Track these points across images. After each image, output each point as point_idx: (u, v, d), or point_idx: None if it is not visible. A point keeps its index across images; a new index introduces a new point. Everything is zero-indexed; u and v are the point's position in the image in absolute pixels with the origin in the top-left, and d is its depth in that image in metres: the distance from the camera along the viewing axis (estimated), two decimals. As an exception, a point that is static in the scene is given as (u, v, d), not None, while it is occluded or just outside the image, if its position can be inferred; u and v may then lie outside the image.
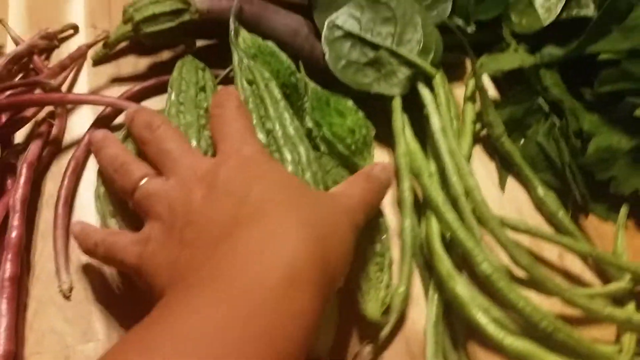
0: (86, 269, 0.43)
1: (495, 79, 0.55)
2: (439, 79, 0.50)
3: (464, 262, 0.44)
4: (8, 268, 0.39)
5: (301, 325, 0.28)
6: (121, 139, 0.43)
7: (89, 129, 0.50)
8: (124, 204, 0.39)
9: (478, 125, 0.51)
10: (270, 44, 0.50)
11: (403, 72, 0.49)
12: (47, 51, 0.56)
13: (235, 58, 0.46)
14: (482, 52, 0.55)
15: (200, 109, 0.44)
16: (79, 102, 0.50)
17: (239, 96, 0.42)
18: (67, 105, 0.51)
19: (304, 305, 0.29)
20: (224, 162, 0.36)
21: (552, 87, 0.51)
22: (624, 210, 0.47)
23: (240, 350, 0.26)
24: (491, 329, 0.39)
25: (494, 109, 0.50)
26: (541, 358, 0.38)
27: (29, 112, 0.48)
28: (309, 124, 0.48)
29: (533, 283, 0.42)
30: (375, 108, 0.49)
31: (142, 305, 0.31)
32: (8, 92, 0.47)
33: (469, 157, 0.49)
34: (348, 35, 0.50)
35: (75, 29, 0.57)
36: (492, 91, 0.54)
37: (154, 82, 0.53)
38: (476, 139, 0.52)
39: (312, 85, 0.50)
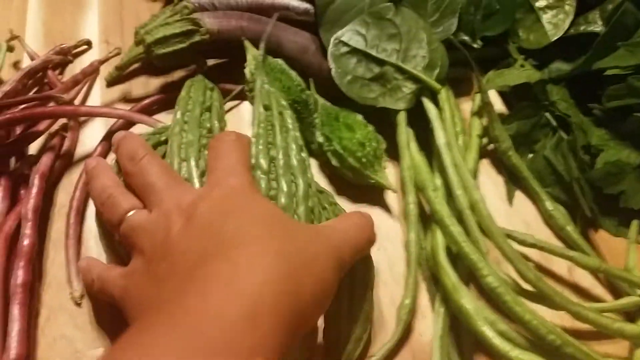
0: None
1: (502, 94, 0.56)
2: (444, 94, 0.50)
3: (470, 275, 0.44)
4: (20, 275, 0.40)
5: None
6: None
7: (100, 142, 0.50)
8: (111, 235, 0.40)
9: (485, 140, 0.52)
10: (280, 61, 0.51)
11: (408, 87, 0.49)
12: (61, 66, 0.57)
13: (258, 83, 0.47)
14: (489, 67, 0.56)
15: (204, 128, 0.44)
16: (91, 114, 0.51)
17: (238, 133, 0.42)
18: (79, 119, 0.52)
19: (265, 341, 0.28)
20: (206, 195, 0.36)
21: (559, 102, 0.51)
22: (635, 225, 0.47)
23: None
24: (497, 342, 0.39)
25: (500, 123, 0.50)
26: (547, 372, 0.38)
27: (42, 125, 0.49)
28: (320, 138, 0.48)
29: (540, 297, 0.41)
30: (383, 122, 0.50)
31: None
32: (22, 106, 0.48)
33: (475, 171, 0.49)
34: (354, 51, 0.51)
35: (89, 44, 0.59)
36: (499, 106, 0.55)
37: (165, 96, 0.54)
38: (484, 154, 0.52)
39: (321, 101, 0.51)
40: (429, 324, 0.43)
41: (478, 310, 0.40)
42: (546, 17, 0.55)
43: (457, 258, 0.44)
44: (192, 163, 0.41)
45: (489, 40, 0.56)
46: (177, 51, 0.52)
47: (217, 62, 0.57)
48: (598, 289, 0.46)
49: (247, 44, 0.51)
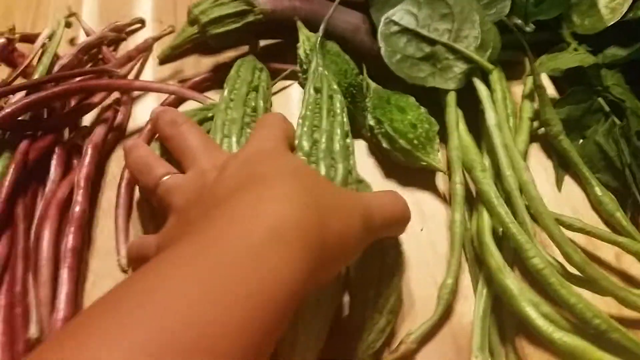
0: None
1: (553, 78, 0.55)
2: (496, 75, 0.49)
3: (515, 258, 0.43)
4: (70, 240, 0.41)
5: (281, 281, 0.27)
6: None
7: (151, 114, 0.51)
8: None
9: (536, 124, 0.51)
10: (335, 45, 0.51)
11: (459, 67, 0.49)
12: (116, 43, 0.58)
13: (313, 65, 0.47)
14: (541, 52, 0.55)
15: (248, 107, 0.45)
16: (144, 89, 0.53)
17: (283, 116, 0.42)
18: (132, 93, 0.53)
19: (286, 262, 0.27)
20: (242, 151, 0.37)
21: (613, 87, 0.50)
22: (687, 214, 0.46)
23: (217, 302, 0.25)
24: (540, 323, 0.38)
25: (552, 107, 0.49)
26: (592, 355, 0.37)
27: (96, 97, 0.51)
28: (371, 121, 0.48)
29: (586, 281, 0.40)
30: (432, 105, 0.49)
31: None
32: (78, 79, 0.50)
33: (524, 154, 0.49)
34: (404, 30, 0.50)
35: (143, 23, 0.60)
36: (550, 90, 0.54)
37: (214, 74, 0.54)
38: (534, 138, 0.51)
39: (373, 85, 0.51)
40: (470, 306, 0.42)
41: (522, 291, 0.39)
42: (603, 2, 0.54)
43: (502, 240, 0.43)
44: (234, 139, 0.42)
45: (542, 24, 0.54)
46: (231, 31, 0.52)
47: (269, 42, 0.58)
48: (646, 277, 0.44)
49: (299, 24, 0.52)
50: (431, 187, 0.49)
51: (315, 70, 0.46)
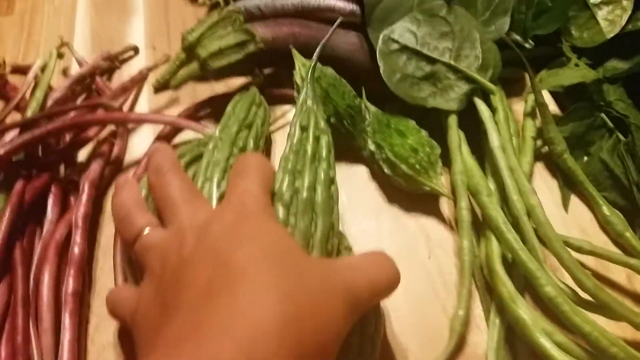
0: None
1: (555, 95, 0.54)
2: (498, 95, 0.49)
3: (526, 284, 0.42)
4: (71, 283, 0.40)
5: None
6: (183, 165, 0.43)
7: (149, 148, 0.51)
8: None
9: (539, 142, 0.50)
10: (330, 69, 0.50)
11: (460, 88, 0.48)
12: (109, 72, 0.57)
13: (301, 97, 0.44)
14: (541, 67, 0.54)
15: (236, 147, 0.43)
16: (141, 121, 0.52)
17: (262, 156, 0.40)
18: (128, 125, 0.52)
19: None
20: (220, 215, 0.34)
21: (616, 102, 0.50)
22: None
23: None
24: (555, 353, 0.37)
25: (555, 125, 0.48)
26: (610, 386, 0.36)
27: (91, 131, 0.50)
28: (371, 147, 0.47)
29: (600, 307, 0.40)
30: (432, 128, 0.48)
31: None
32: (72, 113, 0.49)
33: (530, 175, 0.48)
34: (404, 48, 0.49)
35: (136, 50, 0.59)
36: (552, 106, 0.53)
37: (213, 102, 0.54)
38: (537, 156, 0.50)
39: (373, 109, 0.50)
40: (484, 336, 0.41)
41: (535, 321, 0.39)
42: (601, 14, 0.53)
43: (512, 266, 0.43)
44: (215, 183, 0.40)
45: (540, 39, 0.54)
46: (234, 63, 0.50)
47: (268, 71, 0.56)
48: (660, 299, 0.44)
49: (294, 51, 0.51)
50: (436, 212, 0.48)
51: (304, 103, 0.43)
